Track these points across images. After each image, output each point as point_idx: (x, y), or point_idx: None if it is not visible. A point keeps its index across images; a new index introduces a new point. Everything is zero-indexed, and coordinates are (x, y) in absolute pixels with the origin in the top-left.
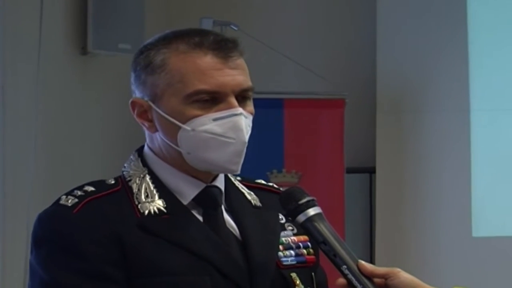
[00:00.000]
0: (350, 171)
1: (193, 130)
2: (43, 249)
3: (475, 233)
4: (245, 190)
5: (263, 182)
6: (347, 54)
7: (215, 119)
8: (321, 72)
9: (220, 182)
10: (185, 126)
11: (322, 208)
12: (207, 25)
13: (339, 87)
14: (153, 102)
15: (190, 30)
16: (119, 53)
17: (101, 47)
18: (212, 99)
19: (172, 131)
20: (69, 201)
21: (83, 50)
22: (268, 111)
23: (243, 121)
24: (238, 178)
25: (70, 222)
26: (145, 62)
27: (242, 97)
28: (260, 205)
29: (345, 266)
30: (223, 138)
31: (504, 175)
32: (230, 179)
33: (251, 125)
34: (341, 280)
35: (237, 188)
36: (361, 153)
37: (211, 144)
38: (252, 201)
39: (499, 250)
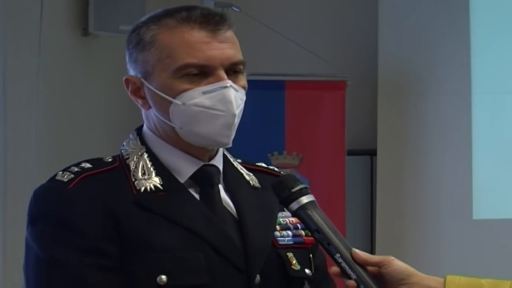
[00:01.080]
0: (351, 153)
1: (183, 104)
2: (38, 225)
3: (475, 216)
4: (244, 171)
5: (263, 165)
6: (349, 36)
7: (204, 92)
8: (323, 54)
9: (218, 161)
10: (176, 101)
11: (322, 190)
12: (209, 6)
13: (340, 69)
14: (145, 79)
15: (179, 7)
16: (120, 34)
17: (102, 28)
18: (202, 73)
19: (164, 107)
20: (65, 176)
21: (84, 32)
22: (270, 93)
23: (232, 93)
24: (239, 160)
25: (65, 197)
26: (136, 39)
27: (233, 71)
28: (259, 186)
29: (338, 255)
30: (212, 111)
31: (505, 158)
32: (229, 160)
33: (243, 99)
34: (335, 269)
35: (236, 168)
36: (362, 135)
37: (201, 118)
38: (250, 182)
39: (500, 233)
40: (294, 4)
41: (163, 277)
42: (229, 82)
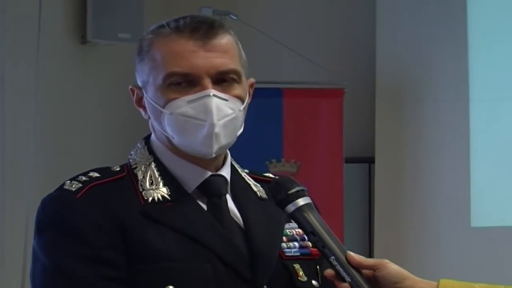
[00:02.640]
0: (349, 161)
1: (171, 113)
2: (46, 234)
3: (473, 223)
4: (251, 182)
5: (271, 175)
6: (347, 43)
7: (189, 102)
8: (321, 61)
9: (225, 172)
10: (165, 110)
11: (321, 198)
12: (206, 14)
13: (338, 76)
14: (144, 88)
15: (177, 17)
16: (118, 42)
17: (101, 36)
18: (188, 82)
19: (158, 117)
20: (73, 186)
21: (83, 39)
22: (267, 101)
23: (214, 102)
24: (246, 170)
25: (73, 206)
26: (138, 49)
27: (223, 80)
28: (266, 197)
29: (333, 257)
30: (195, 120)
31: (503, 166)
32: (237, 170)
33: (236, 108)
34: (330, 271)
35: (243, 179)
36: (360, 143)
37: (187, 127)
38: (257, 193)
39: (498, 241)
40: (291, 12)
41: (171, 287)
42: (212, 91)
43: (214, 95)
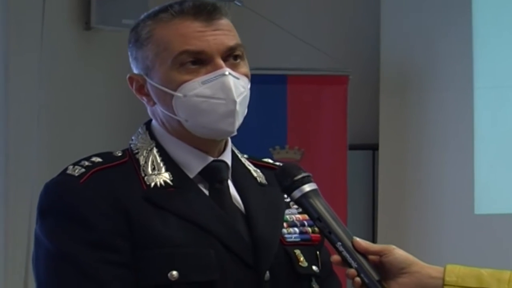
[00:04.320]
0: (353, 147)
1: (184, 96)
2: (49, 219)
3: (477, 211)
4: (251, 167)
5: (270, 161)
6: (351, 30)
7: (203, 82)
8: (325, 48)
9: (227, 157)
10: (177, 93)
11: (324, 185)
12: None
13: (342, 63)
14: (147, 75)
15: (173, 2)
16: (122, 29)
17: (105, 22)
18: (199, 62)
19: (167, 101)
20: (76, 171)
21: (87, 26)
22: (272, 87)
23: (232, 80)
24: (245, 156)
25: (76, 192)
26: (134, 37)
27: (232, 57)
28: (266, 182)
29: (339, 243)
30: (213, 100)
31: (507, 153)
32: (237, 156)
33: (246, 86)
34: (336, 257)
35: (244, 164)
36: (364, 130)
37: (203, 107)
38: (258, 178)
39: (501, 228)
40: None
41: (174, 273)
42: (227, 70)
43: (229, 73)
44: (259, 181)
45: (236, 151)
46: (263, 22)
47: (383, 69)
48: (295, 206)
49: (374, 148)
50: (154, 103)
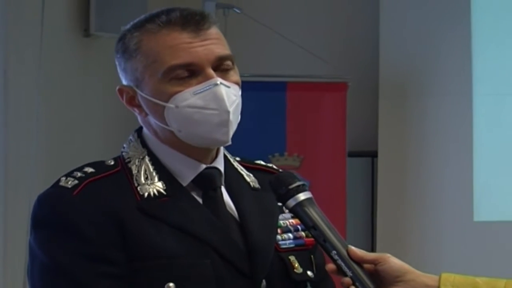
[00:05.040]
0: (352, 155)
1: (176, 106)
2: (43, 232)
3: (476, 218)
4: (244, 172)
5: (262, 163)
6: (350, 37)
7: (195, 93)
8: (324, 55)
9: (219, 163)
10: (169, 104)
11: (323, 192)
12: (210, 7)
13: (341, 70)
14: (137, 87)
15: (159, 11)
16: None
17: (104, 29)
18: (190, 73)
19: (159, 112)
20: (69, 182)
21: (86, 32)
22: (271, 94)
23: (224, 90)
24: (238, 158)
25: (70, 204)
26: (122, 48)
27: (222, 68)
28: (259, 187)
29: (334, 252)
30: (206, 111)
31: (507, 160)
32: (229, 160)
33: (238, 94)
34: (331, 266)
35: (236, 169)
36: (363, 137)
37: (196, 118)
38: (251, 183)
39: (500, 235)
40: (295, 6)
41: (171, 285)
42: (218, 80)
43: (221, 83)
44: (252, 185)
45: (228, 155)
46: (262, 29)
47: (382, 76)
48: (288, 211)
49: (373, 155)
50: (146, 114)
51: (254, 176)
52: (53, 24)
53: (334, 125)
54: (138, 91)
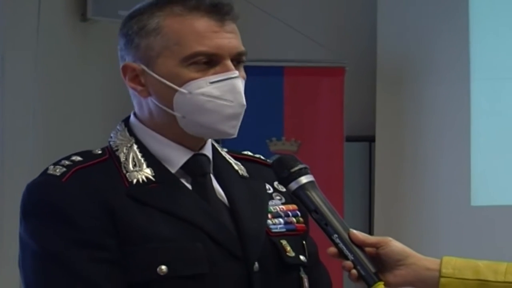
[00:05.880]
0: (349, 139)
1: (190, 93)
2: (33, 220)
3: (473, 202)
4: (232, 161)
5: (249, 153)
6: (348, 22)
7: (212, 82)
8: (321, 40)
9: (207, 151)
10: (182, 89)
11: (321, 176)
12: None
13: (339, 55)
14: (147, 66)
15: None
16: (119, 20)
17: (101, 13)
18: (209, 62)
19: (167, 95)
20: (57, 170)
21: (83, 17)
22: (268, 79)
23: (241, 84)
24: (225, 149)
25: (59, 191)
26: (138, 26)
27: (237, 61)
28: (247, 175)
29: (336, 235)
30: (220, 101)
31: (504, 145)
32: (217, 149)
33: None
34: (332, 249)
35: (224, 158)
36: (360, 122)
37: (208, 107)
38: (239, 171)
39: (498, 219)
40: None
41: (163, 267)
42: (236, 73)
43: (238, 76)
44: (240, 173)
45: (216, 145)
46: (260, 14)
47: (380, 61)
48: (278, 197)
49: (371, 139)
50: (148, 95)
51: (243, 165)
52: (50, 9)
53: (331, 110)
54: (149, 71)
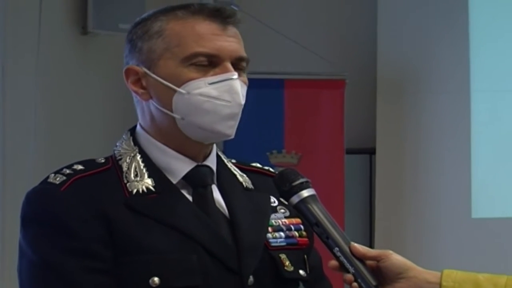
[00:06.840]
0: (350, 152)
1: (188, 93)
2: (31, 228)
3: (474, 214)
4: (237, 172)
5: (258, 165)
6: (348, 34)
7: (210, 83)
8: (322, 52)
9: (211, 162)
10: (180, 89)
11: (322, 189)
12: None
13: (339, 67)
14: (149, 68)
15: (188, 3)
16: (119, 33)
17: (102, 27)
18: (209, 63)
19: (167, 96)
20: (57, 179)
21: (83, 30)
22: (269, 92)
23: (239, 85)
24: (233, 160)
25: (57, 200)
26: (142, 30)
27: (237, 67)
28: (252, 187)
29: (337, 248)
30: (218, 101)
31: (504, 157)
32: (223, 161)
33: (245, 95)
34: (333, 263)
35: (229, 169)
36: (361, 134)
37: (205, 107)
38: (244, 183)
39: (498, 232)
40: (293, 3)
41: (156, 279)
42: (236, 74)
43: (237, 78)
44: (245, 185)
45: (223, 156)
46: (260, 26)
47: (380, 73)
48: (282, 210)
49: (371, 152)
50: (149, 98)
51: (249, 177)
52: (51, 22)
53: (332, 122)
54: (149, 73)
